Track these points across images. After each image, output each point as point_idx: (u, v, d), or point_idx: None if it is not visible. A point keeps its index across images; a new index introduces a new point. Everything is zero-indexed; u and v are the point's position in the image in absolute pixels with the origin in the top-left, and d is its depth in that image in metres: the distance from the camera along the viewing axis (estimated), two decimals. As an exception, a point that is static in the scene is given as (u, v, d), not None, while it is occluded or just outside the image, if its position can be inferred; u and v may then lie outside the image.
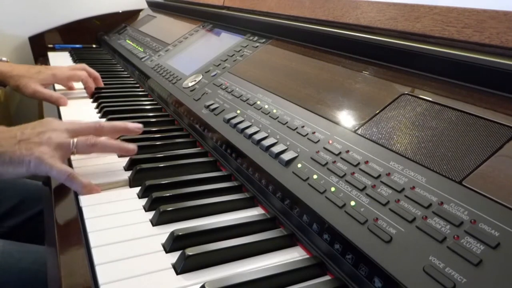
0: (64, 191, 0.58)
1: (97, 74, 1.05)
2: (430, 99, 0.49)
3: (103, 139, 0.61)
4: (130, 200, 0.55)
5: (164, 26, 1.40)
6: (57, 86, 1.07)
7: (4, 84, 1.02)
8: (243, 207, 0.55)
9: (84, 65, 1.05)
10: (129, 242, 0.46)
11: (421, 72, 0.55)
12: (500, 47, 0.46)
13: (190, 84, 0.85)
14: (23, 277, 0.66)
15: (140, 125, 0.68)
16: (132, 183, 0.60)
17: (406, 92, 0.52)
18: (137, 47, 1.29)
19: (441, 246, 0.34)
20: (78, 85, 1.06)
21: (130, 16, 1.71)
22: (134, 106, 0.93)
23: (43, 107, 0.95)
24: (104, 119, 0.85)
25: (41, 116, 0.85)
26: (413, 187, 0.40)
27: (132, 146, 0.64)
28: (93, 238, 0.47)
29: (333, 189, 0.45)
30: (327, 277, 0.43)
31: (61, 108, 0.92)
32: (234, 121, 0.64)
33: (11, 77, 0.97)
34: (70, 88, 1.06)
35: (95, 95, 1.00)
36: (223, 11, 1.11)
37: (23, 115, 1.58)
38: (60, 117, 0.82)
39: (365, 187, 0.43)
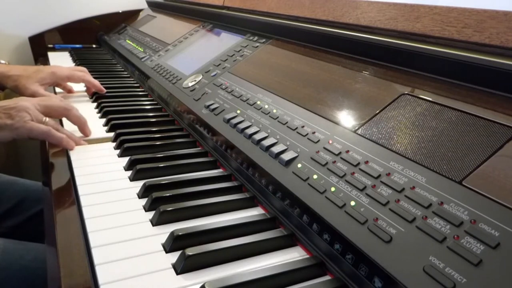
0: (64, 191, 0.58)
1: (98, 84, 1.01)
2: (430, 99, 0.49)
3: (65, 137, 0.69)
4: (130, 200, 0.55)
5: (164, 26, 1.40)
6: (57, 89, 1.07)
7: (2, 86, 1.00)
8: (243, 207, 0.55)
9: (84, 69, 1.04)
10: (129, 242, 0.46)
11: (421, 72, 0.55)
12: (500, 47, 0.46)
13: (190, 84, 0.85)
14: (23, 274, 0.67)
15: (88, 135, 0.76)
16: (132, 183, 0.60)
17: (406, 92, 0.52)
18: (137, 47, 1.29)
19: (441, 246, 0.34)
20: (78, 88, 1.06)
21: (130, 16, 1.71)
22: (134, 106, 0.93)
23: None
24: (104, 119, 0.85)
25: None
26: (413, 187, 0.40)
27: (74, 146, 0.70)
28: (93, 238, 0.47)
29: (333, 189, 0.45)
30: (327, 277, 0.43)
31: None
32: (234, 121, 0.64)
33: (8, 77, 0.96)
34: (70, 91, 1.05)
35: (95, 95, 1.00)
36: (223, 11, 1.11)
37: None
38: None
39: (365, 187, 0.43)
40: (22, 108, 0.66)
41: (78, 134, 0.76)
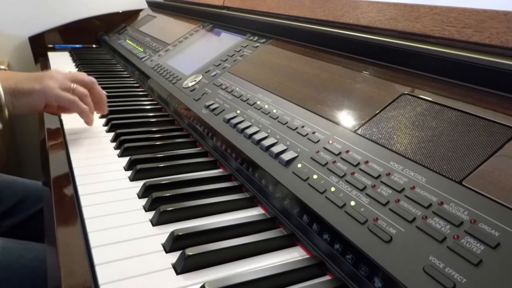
0: (64, 191, 0.58)
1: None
2: (430, 99, 0.49)
3: (87, 110, 0.74)
4: (130, 200, 0.55)
5: (164, 26, 1.40)
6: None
7: None
8: (243, 207, 0.55)
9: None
10: (129, 242, 0.46)
11: (421, 72, 0.55)
12: (500, 47, 0.46)
13: (190, 84, 0.85)
14: (23, 274, 0.67)
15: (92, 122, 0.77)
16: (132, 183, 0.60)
17: (406, 92, 0.52)
18: (137, 47, 1.29)
19: (441, 246, 0.34)
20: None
21: (130, 16, 1.71)
22: (134, 106, 0.93)
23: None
24: (104, 119, 0.85)
25: (41, 119, 0.85)
26: (413, 187, 0.40)
27: (92, 120, 0.75)
28: (93, 238, 0.47)
29: (333, 189, 0.45)
30: (327, 277, 0.43)
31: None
32: (234, 121, 0.64)
33: None
34: None
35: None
36: (223, 11, 1.11)
37: (23, 117, 1.58)
38: (61, 123, 0.82)
39: (365, 187, 0.43)
40: (51, 76, 0.71)
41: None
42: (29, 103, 0.69)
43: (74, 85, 0.73)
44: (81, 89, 0.73)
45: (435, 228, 0.36)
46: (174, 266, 0.43)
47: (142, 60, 1.16)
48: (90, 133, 0.77)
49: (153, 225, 0.50)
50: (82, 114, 0.72)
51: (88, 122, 0.73)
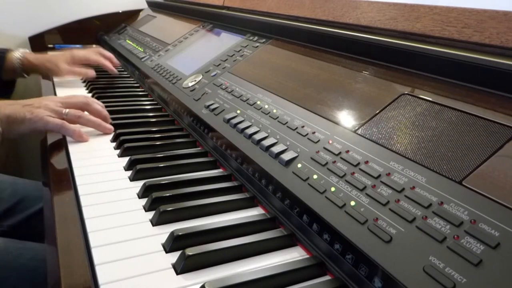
0: (64, 191, 0.58)
1: (110, 55, 1.18)
2: (430, 99, 0.49)
3: (87, 114, 0.76)
4: (130, 200, 0.55)
5: (164, 26, 1.40)
6: (57, 92, 1.08)
7: (27, 72, 1.13)
8: (243, 207, 0.55)
9: (98, 50, 1.15)
10: (129, 242, 0.46)
11: (421, 72, 0.55)
12: (500, 47, 0.46)
13: (190, 84, 0.85)
14: (22, 273, 0.67)
15: (111, 128, 0.78)
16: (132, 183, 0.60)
17: (406, 92, 0.52)
18: (137, 47, 1.29)
19: (441, 246, 0.34)
20: (80, 91, 1.07)
21: (130, 16, 1.71)
22: (134, 106, 0.93)
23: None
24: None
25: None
26: (413, 187, 0.40)
27: (110, 127, 0.77)
28: (93, 238, 0.47)
29: (333, 189, 0.45)
30: (327, 277, 0.43)
31: None
32: (234, 121, 0.64)
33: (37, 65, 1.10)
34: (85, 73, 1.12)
35: (95, 95, 1.00)
36: (223, 11, 1.11)
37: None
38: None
39: (365, 187, 0.43)
40: (42, 105, 0.73)
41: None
42: (19, 131, 0.71)
43: (66, 111, 0.74)
44: (73, 112, 0.75)
45: (435, 228, 0.36)
46: (174, 266, 0.43)
47: (142, 60, 1.16)
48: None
49: (153, 225, 0.50)
50: (72, 137, 0.73)
51: (82, 141, 0.74)
